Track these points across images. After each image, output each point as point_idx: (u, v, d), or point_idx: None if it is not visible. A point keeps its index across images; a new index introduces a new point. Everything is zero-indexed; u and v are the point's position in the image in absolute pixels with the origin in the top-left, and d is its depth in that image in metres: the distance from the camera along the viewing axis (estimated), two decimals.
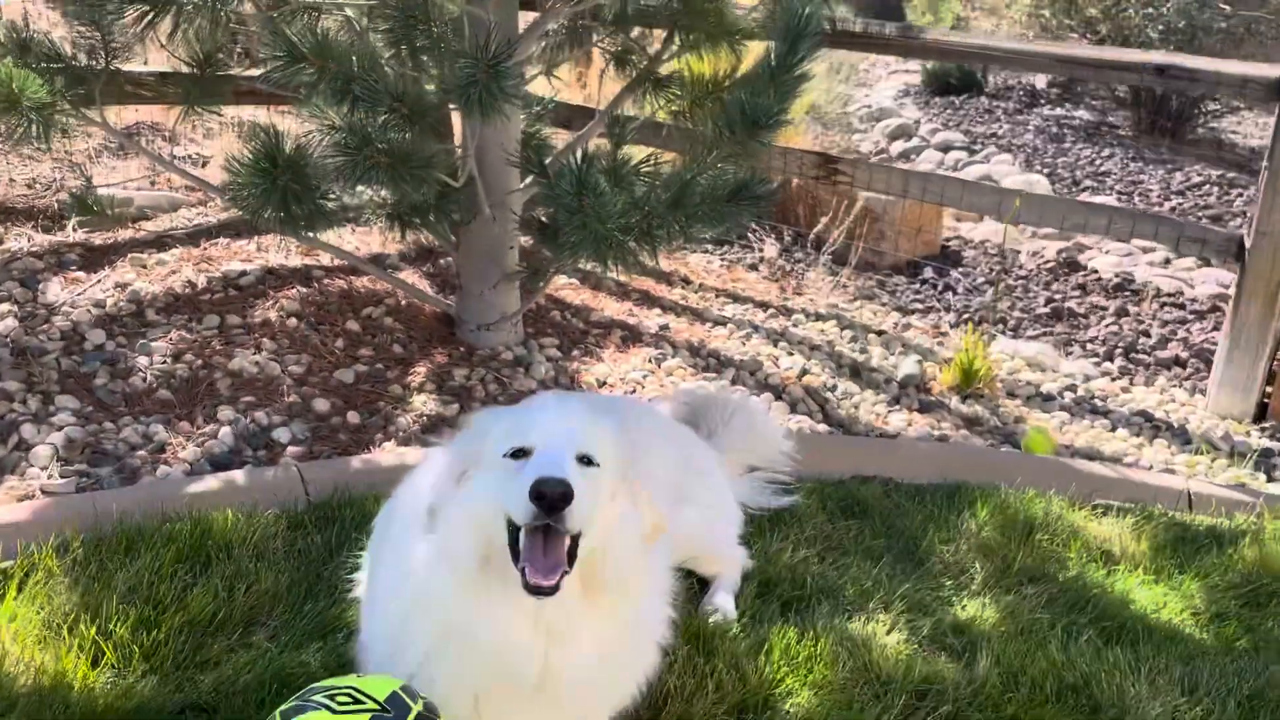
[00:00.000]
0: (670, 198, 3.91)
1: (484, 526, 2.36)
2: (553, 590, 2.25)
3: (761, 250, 7.00)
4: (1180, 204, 8.63)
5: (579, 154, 3.85)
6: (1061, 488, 4.26)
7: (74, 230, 5.34)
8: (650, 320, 5.68)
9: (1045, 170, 9.39)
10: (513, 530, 2.32)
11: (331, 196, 4.03)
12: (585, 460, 2.38)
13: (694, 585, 3.41)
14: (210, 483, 3.75)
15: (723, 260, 6.84)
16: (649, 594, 2.65)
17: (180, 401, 4.30)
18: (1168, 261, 7.37)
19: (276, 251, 5.59)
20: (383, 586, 2.71)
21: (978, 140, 10.34)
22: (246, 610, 3.11)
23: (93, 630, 2.87)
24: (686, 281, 6.32)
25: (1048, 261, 7.37)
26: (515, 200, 4.75)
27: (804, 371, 5.24)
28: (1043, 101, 12.09)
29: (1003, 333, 6.21)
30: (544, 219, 4.26)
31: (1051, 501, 4.17)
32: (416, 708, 2.29)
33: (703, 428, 4.03)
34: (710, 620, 3.23)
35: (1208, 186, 8.98)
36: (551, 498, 2.16)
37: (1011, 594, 3.56)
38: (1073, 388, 5.56)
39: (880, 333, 5.87)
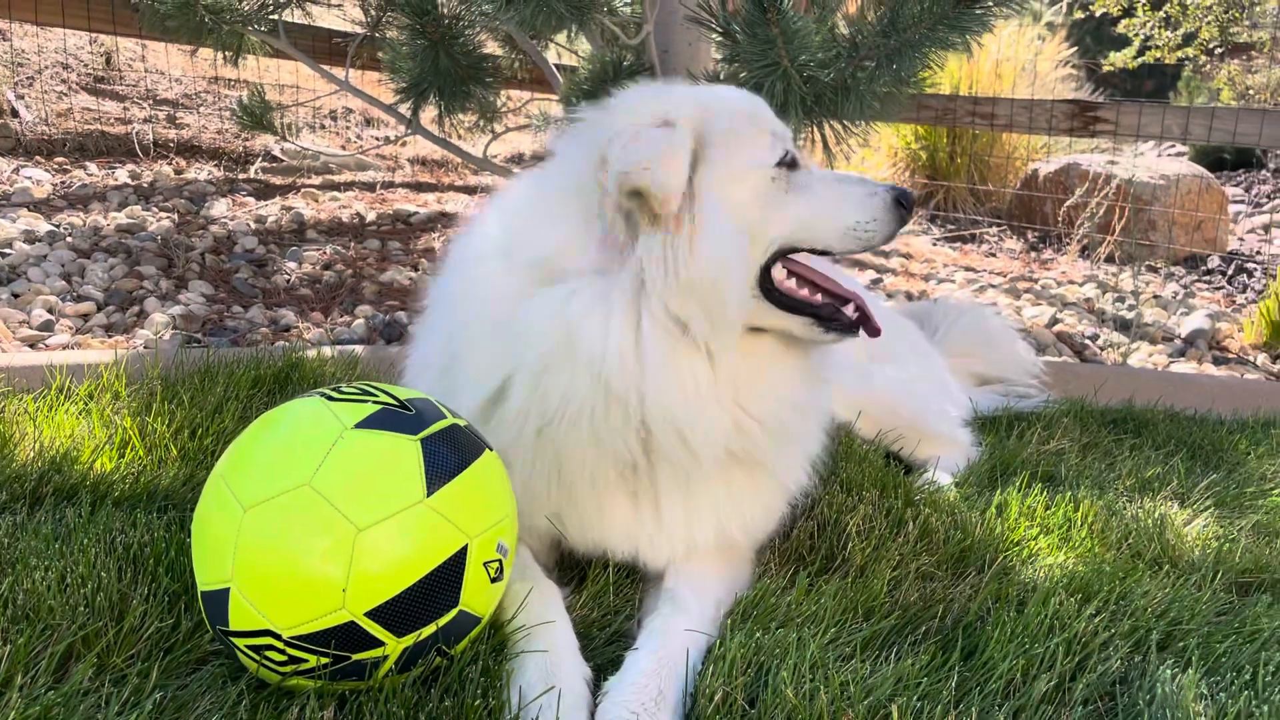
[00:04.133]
0: (880, 24, 3.16)
1: (711, 294, 1.62)
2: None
3: (999, 245, 6.04)
4: None
5: None
6: None
7: (257, 172, 5.18)
8: (860, 278, 4.84)
9: None
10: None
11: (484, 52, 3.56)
12: None
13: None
14: (326, 352, 3.22)
15: (953, 247, 5.92)
16: None
17: (318, 297, 3.88)
18: None
19: (455, 205, 5.25)
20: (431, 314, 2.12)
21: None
22: None
23: (128, 421, 2.33)
24: (908, 257, 5.45)
25: None
26: None
27: (1054, 320, 4.22)
28: None
29: None
30: None
31: None
32: (451, 419, 1.56)
33: (924, 330, 3.17)
34: (916, 485, 2.31)
35: None
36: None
37: None
38: None
39: (1156, 297, 4.74)
